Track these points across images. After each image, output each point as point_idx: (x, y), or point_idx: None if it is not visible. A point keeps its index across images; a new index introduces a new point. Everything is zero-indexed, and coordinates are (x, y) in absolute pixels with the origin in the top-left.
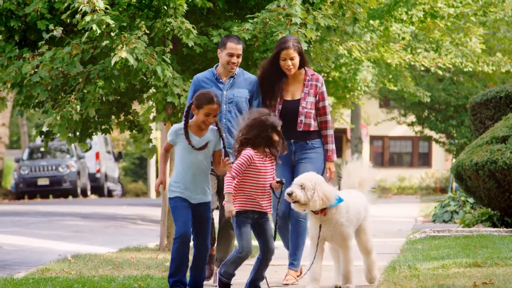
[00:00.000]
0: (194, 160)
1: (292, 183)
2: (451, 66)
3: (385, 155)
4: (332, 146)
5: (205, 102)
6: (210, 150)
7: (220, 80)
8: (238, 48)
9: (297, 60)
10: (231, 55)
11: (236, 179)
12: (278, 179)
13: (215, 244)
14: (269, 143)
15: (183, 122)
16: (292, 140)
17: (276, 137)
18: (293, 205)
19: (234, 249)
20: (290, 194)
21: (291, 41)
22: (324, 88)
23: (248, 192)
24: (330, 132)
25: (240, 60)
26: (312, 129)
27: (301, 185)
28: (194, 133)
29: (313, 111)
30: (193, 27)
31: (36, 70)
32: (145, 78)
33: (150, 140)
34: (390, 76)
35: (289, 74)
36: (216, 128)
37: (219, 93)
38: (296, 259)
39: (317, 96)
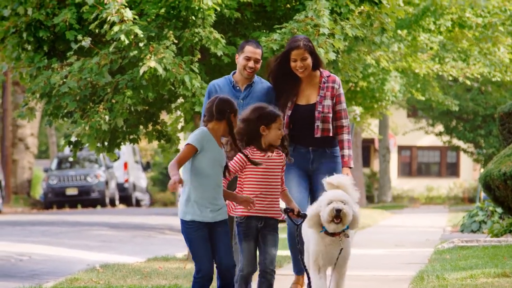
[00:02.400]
0: (216, 173)
1: (322, 197)
2: (479, 76)
3: (413, 165)
4: (348, 152)
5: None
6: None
7: (237, 87)
8: (257, 52)
9: (309, 60)
10: (248, 59)
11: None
12: (301, 213)
13: None
14: (254, 138)
15: (205, 129)
16: (310, 148)
17: (265, 131)
18: (331, 226)
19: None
20: (338, 211)
21: (301, 41)
22: (341, 90)
23: (250, 194)
24: (347, 137)
25: (258, 66)
26: (331, 134)
27: (343, 201)
28: (218, 143)
29: (331, 115)
30: (221, 37)
31: (64, 80)
32: (173, 88)
33: (178, 150)
34: (418, 86)
35: (302, 76)
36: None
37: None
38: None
39: (334, 98)
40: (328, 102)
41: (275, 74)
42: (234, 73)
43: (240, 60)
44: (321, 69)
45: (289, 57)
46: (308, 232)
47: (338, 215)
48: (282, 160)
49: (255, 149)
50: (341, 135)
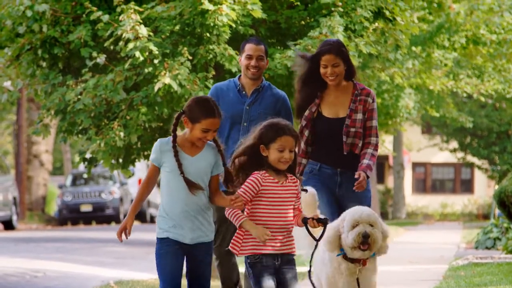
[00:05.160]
0: (185, 185)
1: (345, 216)
2: (493, 93)
3: (427, 181)
4: (367, 161)
5: (203, 114)
6: (208, 173)
7: (243, 92)
8: (259, 49)
9: (341, 67)
10: (249, 57)
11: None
12: (321, 217)
13: None
14: (259, 161)
15: (170, 137)
16: (338, 169)
17: (265, 152)
18: (356, 253)
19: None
20: (366, 237)
21: (334, 44)
22: (375, 105)
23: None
24: (371, 151)
25: (263, 64)
26: (359, 152)
27: (372, 224)
28: (185, 150)
29: (361, 131)
30: (236, 54)
31: (79, 97)
32: None
33: None
34: (432, 102)
35: (332, 84)
36: (214, 143)
37: (240, 108)
38: None
39: (366, 113)
40: (359, 116)
41: (304, 80)
42: (240, 76)
43: (242, 60)
44: (354, 81)
45: (319, 62)
46: (321, 254)
47: (365, 242)
48: (297, 187)
49: (266, 174)
50: (366, 149)
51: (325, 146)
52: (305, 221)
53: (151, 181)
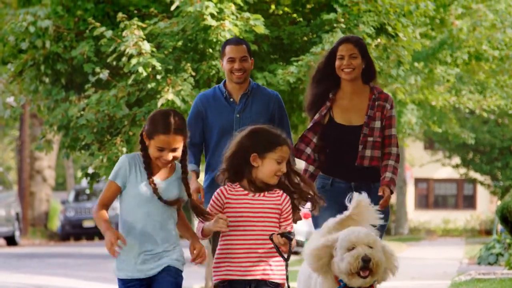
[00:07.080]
0: (149, 212)
1: (338, 237)
2: (495, 108)
3: (430, 197)
4: (390, 175)
5: (157, 129)
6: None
7: (231, 99)
8: (241, 49)
9: (359, 61)
10: (232, 60)
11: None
12: (285, 231)
13: None
14: (242, 171)
15: (137, 153)
16: (352, 183)
17: (256, 162)
18: (356, 281)
19: None
20: (367, 261)
21: (353, 36)
22: (394, 112)
23: (232, 252)
24: (393, 163)
25: (247, 66)
26: (379, 164)
27: (371, 245)
28: (154, 173)
29: (380, 140)
30: None
31: (82, 112)
32: None
33: None
34: (435, 118)
35: (347, 78)
36: (182, 168)
37: (230, 117)
38: None
39: (384, 121)
40: (377, 124)
41: (316, 77)
42: (225, 81)
43: (224, 64)
44: (371, 84)
45: (335, 55)
46: (313, 281)
47: (366, 266)
48: (279, 202)
49: (238, 186)
50: (387, 161)
51: (337, 157)
52: (271, 237)
53: (109, 201)
